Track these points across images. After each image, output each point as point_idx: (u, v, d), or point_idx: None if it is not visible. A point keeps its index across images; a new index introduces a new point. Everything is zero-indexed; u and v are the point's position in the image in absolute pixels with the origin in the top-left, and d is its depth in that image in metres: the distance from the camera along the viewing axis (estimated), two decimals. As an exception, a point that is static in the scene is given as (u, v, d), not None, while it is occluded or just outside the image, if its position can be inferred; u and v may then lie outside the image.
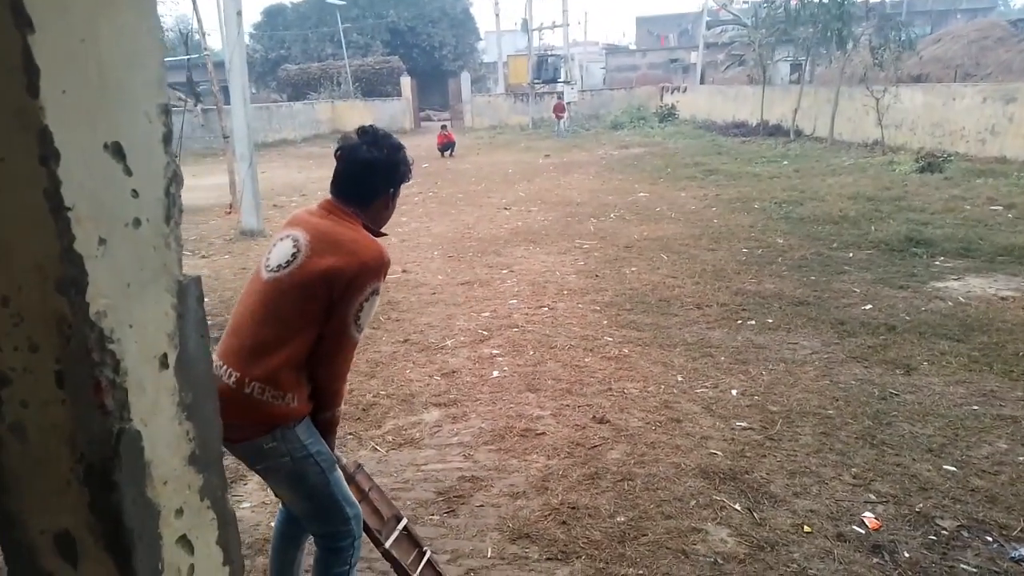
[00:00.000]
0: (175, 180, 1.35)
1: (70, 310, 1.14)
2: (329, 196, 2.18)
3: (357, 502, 2.24)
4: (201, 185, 15.59)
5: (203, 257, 9.01)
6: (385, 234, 2.25)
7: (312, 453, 2.08)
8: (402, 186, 2.24)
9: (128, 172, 1.22)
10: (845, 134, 18.02)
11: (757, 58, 22.21)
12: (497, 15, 36.59)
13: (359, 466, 2.42)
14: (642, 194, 12.20)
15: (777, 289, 6.27)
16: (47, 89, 1.04)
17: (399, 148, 2.19)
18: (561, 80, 31.52)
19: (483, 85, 42.55)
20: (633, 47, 54.97)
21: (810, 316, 5.51)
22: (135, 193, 1.22)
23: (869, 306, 5.67)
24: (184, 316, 1.36)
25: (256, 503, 3.31)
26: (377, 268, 2.03)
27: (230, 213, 11.82)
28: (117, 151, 1.20)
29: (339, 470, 2.20)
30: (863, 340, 4.96)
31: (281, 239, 2.10)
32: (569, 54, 34.06)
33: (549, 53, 34.10)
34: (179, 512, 1.39)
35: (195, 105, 23.82)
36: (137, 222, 1.22)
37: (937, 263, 6.92)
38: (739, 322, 5.49)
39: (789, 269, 6.95)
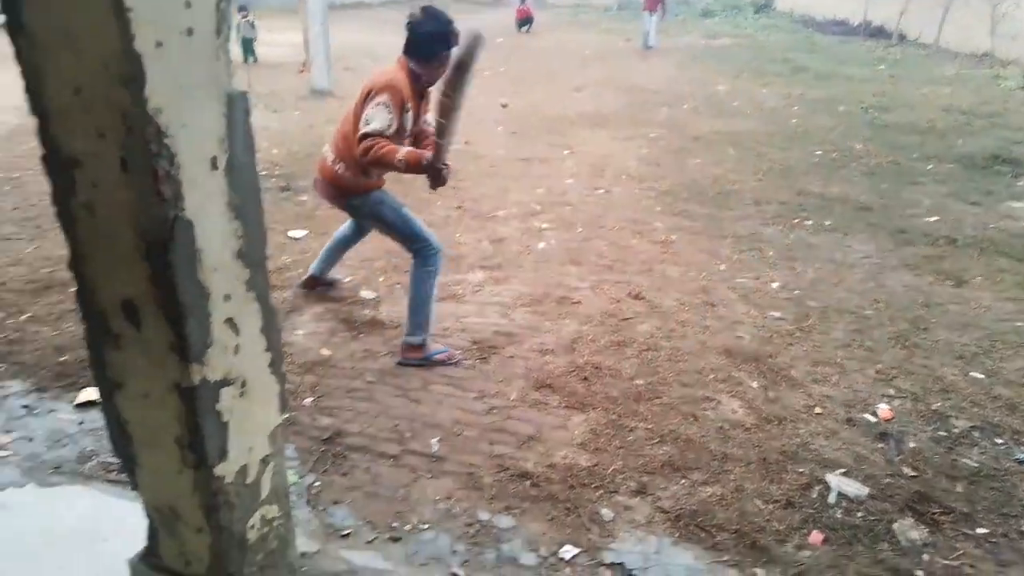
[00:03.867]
0: (225, -5, 1.45)
1: (131, 102, 1.28)
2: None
3: (429, 231, 3.28)
4: (277, 41, 15.65)
5: (274, 112, 9.21)
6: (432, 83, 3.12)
7: (385, 202, 3.24)
8: (453, 50, 2.91)
9: (182, -18, 1.32)
10: (953, 43, 16.61)
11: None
12: None
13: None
14: (721, 87, 11.71)
15: (842, 193, 6.10)
16: None
17: (449, 23, 3.03)
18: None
19: (572, -40, 40.25)
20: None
21: (870, 221, 5.38)
22: (188, 4, 1.33)
23: (935, 218, 5.48)
24: (233, 124, 1.50)
25: (308, 332, 3.60)
26: (380, 87, 2.96)
27: (303, 72, 11.92)
28: (173, -40, 1.29)
29: (407, 209, 3.27)
30: (919, 250, 4.85)
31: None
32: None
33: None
34: (227, 298, 1.59)
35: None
36: (190, 31, 1.34)
37: (1020, 183, 6.55)
38: (796, 221, 5.41)
39: (860, 175, 6.71)
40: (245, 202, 1.57)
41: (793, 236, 5.10)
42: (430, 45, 3.00)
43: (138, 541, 1.72)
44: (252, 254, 1.65)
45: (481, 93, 10.78)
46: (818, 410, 3.02)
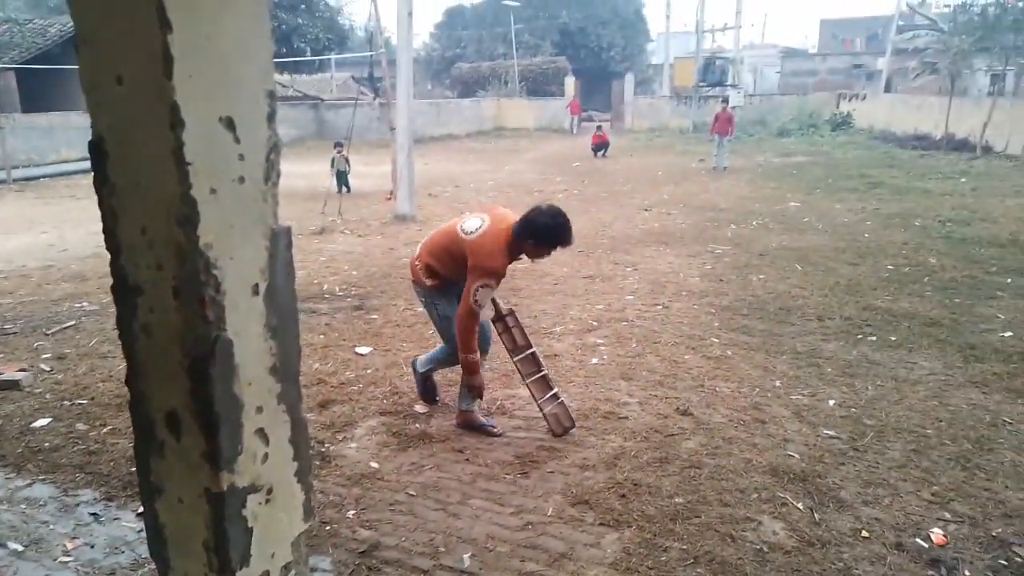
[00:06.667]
0: (275, 149, 1.74)
1: (185, 240, 1.54)
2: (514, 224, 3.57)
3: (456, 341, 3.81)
4: (371, 173, 16.82)
5: (359, 236, 9.87)
6: (533, 260, 3.75)
7: (436, 305, 3.85)
8: (560, 247, 3.57)
9: (237, 140, 1.62)
10: (1043, 152, 16.23)
11: (951, 66, 20.40)
12: (668, 16, 36.20)
13: (511, 311, 4.03)
14: (793, 204, 11.77)
15: (912, 308, 5.96)
16: (178, 73, 1.45)
17: (558, 224, 3.49)
18: (728, 83, 30.63)
19: (648, 87, 42.17)
20: (814, 51, 52.04)
21: (939, 338, 5.22)
22: (241, 157, 1.62)
23: (1009, 333, 5.27)
24: (275, 256, 1.75)
25: (361, 445, 3.77)
26: (485, 271, 3.47)
27: (389, 199, 12.78)
28: (229, 124, 1.59)
29: (452, 319, 3.73)
30: (990, 366, 4.65)
31: (477, 214, 3.69)
32: (739, 57, 32.96)
33: (717, 56, 33.21)
34: (259, 409, 1.79)
35: (374, 99, 25.69)
36: (242, 179, 1.62)
37: (1111, 296, 6.23)
38: (859, 337, 5.31)
39: (933, 290, 6.55)
40: (282, 323, 1.78)
41: (855, 352, 5.00)
42: (545, 238, 3.51)
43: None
44: (285, 370, 1.84)
45: (552, 215, 11.24)
46: (865, 533, 2.90)
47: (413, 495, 3.27)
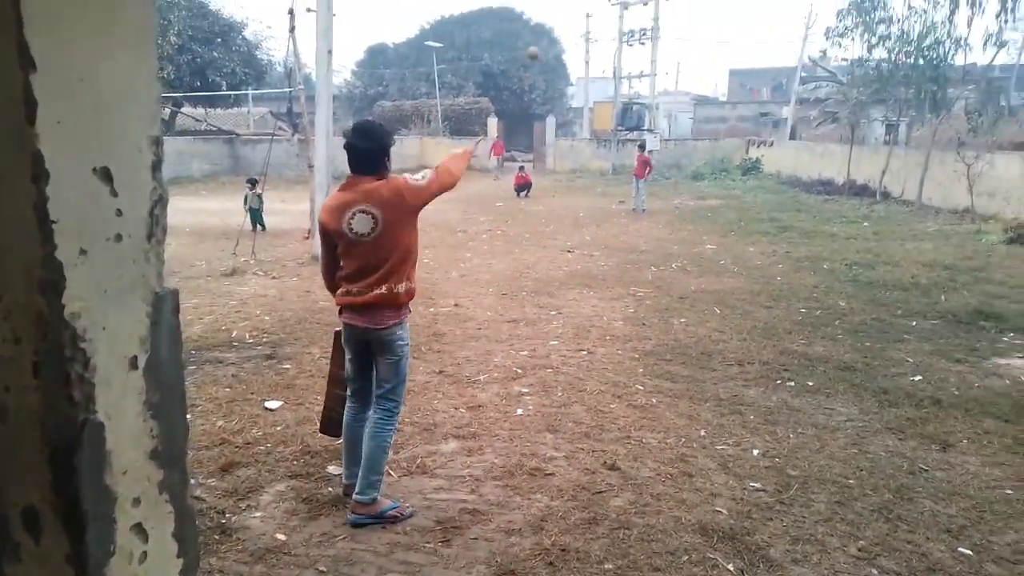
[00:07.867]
0: (160, 203, 1.52)
1: (47, 309, 1.31)
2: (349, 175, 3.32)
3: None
4: (289, 210, 16.37)
5: (274, 278, 9.47)
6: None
7: (407, 344, 3.41)
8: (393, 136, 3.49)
9: (114, 194, 1.40)
10: (935, 199, 17.34)
11: (851, 116, 21.71)
12: (587, 62, 37.31)
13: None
14: (709, 246, 12.08)
15: (826, 352, 6.10)
16: (43, 119, 1.23)
17: (382, 133, 3.40)
18: (645, 128, 31.62)
19: (569, 129, 43.11)
20: (724, 99, 54.62)
21: (854, 382, 5.34)
22: (119, 212, 1.40)
23: (919, 377, 5.44)
24: (158, 324, 1.53)
25: (266, 514, 3.47)
26: (396, 184, 3.25)
27: (307, 238, 12.40)
28: (105, 175, 1.38)
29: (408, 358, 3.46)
30: (904, 411, 4.77)
31: (352, 216, 3.20)
32: (655, 103, 34.16)
33: (635, 101, 34.33)
34: (136, 501, 1.54)
35: (292, 135, 25.23)
36: (119, 237, 1.40)
37: (1005, 339, 6.57)
38: (778, 382, 5.37)
39: (844, 333, 6.75)
40: (165, 400, 1.55)
41: (775, 398, 5.04)
42: (372, 158, 3.29)
43: None
44: (168, 453, 1.60)
45: (475, 255, 11.15)
46: (796, 596, 2.84)
47: (323, 571, 3.00)
